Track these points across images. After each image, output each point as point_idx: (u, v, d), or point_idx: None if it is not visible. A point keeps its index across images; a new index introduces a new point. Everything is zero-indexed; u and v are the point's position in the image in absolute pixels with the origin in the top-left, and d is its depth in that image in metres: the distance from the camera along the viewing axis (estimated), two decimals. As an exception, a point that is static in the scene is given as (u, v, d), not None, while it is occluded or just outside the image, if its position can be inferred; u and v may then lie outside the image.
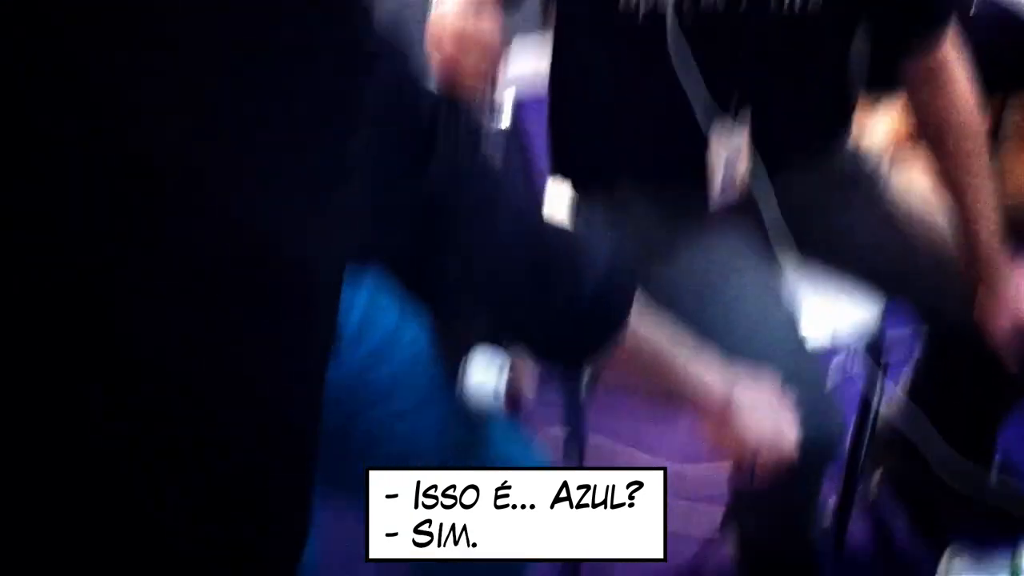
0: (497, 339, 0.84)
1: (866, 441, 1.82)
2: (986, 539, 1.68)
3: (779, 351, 1.47)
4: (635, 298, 0.86)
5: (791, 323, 1.55)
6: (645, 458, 2.21)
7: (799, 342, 1.54)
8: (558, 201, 1.69)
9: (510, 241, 0.78)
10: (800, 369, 1.47)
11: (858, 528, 2.05)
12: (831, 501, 1.99)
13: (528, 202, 0.87)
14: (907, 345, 2.36)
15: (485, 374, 1.04)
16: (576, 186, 1.71)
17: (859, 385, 1.77)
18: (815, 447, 1.45)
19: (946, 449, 1.99)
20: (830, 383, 2.30)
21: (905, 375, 2.01)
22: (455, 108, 0.74)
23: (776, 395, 1.06)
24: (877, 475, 2.12)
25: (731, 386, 0.99)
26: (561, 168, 1.70)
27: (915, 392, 1.97)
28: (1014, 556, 1.78)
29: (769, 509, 1.73)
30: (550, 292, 0.80)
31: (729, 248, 1.60)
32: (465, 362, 1.04)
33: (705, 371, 0.97)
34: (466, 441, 1.13)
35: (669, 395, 0.97)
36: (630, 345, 0.86)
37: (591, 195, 1.68)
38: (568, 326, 0.82)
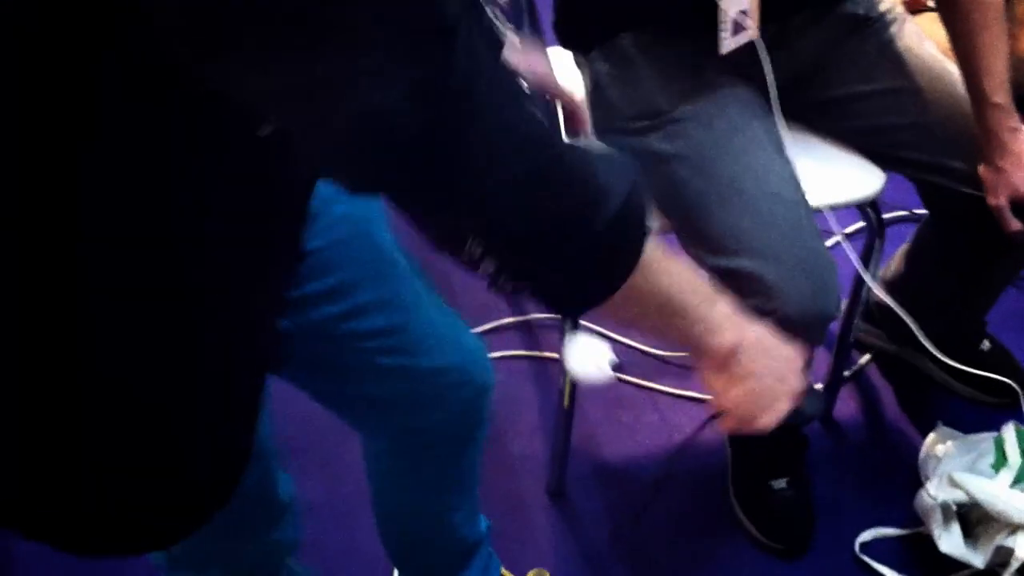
0: (499, 275, 0.74)
1: (859, 310, 1.80)
2: (972, 419, 1.67)
3: (781, 206, 1.46)
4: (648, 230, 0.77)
5: (793, 180, 1.53)
6: (634, 343, 2.20)
7: (800, 199, 1.51)
8: (562, 70, 1.63)
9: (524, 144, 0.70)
10: (799, 226, 1.47)
11: (846, 403, 2.05)
12: (822, 374, 2.00)
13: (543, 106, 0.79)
14: (906, 213, 2.35)
15: (586, 361, 1.03)
16: (581, 47, 1.64)
17: (857, 251, 1.75)
18: (811, 308, 1.44)
19: (938, 320, 1.99)
20: (829, 243, 2.30)
21: (903, 244, 1.99)
22: None
23: (787, 363, 0.98)
24: (867, 354, 2.13)
25: (739, 343, 0.90)
26: (566, 26, 1.64)
27: (912, 261, 1.96)
28: (998, 435, 1.79)
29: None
30: (564, 217, 0.72)
31: (736, 101, 1.56)
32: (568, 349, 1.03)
33: (712, 321, 0.87)
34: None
35: (670, 335, 0.89)
36: (638, 281, 0.77)
37: (597, 56, 1.62)
38: (580, 259, 0.74)
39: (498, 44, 0.69)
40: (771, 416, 0.96)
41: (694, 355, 0.91)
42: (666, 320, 0.85)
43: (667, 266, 0.81)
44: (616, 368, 1.00)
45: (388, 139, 0.65)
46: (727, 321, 0.88)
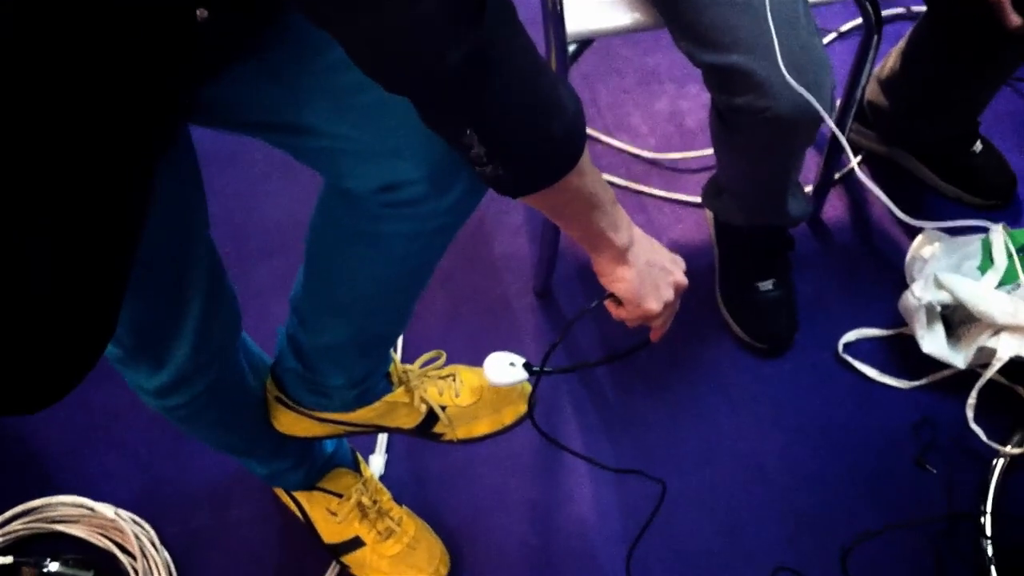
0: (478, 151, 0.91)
1: (854, 107, 1.77)
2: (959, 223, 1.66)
3: (779, 1, 1.40)
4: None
5: None
6: (623, 145, 2.17)
7: None
8: None
9: (527, 71, 0.87)
10: (795, 21, 1.42)
11: (835, 205, 2.05)
12: (812, 176, 1.98)
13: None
14: (903, 10, 2.29)
15: (506, 371, 1.22)
16: None
17: (853, 48, 1.70)
18: (804, 107, 1.40)
19: (931, 120, 1.97)
20: (825, 39, 2.26)
21: (899, 42, 1.95)
22: None
23: (670, 260, 1.16)
24: (858, 155, 2.11)
25: (630, 243, 1.09)
26: None
27: (907, 59, 1.92)
28: (985, 237, 1.79)
29: (749, 179, 1.71)
30: (538, 121, 0.90)
31: None
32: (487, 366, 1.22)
33: (617, 221, 1.07)
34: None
35: (584, 230, 1.06)
36: (573, 177, 0.96)
37: None
38: (541, 152, 0.92)
39: None
40: (656, 301, 1.13)
41: (594, 249, 1.09)
42: (585, 213, 1.03)
43: (592, 169, 1.00)
44: (527, 368, 1.23)
45: (431, 62, 0.79)
46: (624, 221, 1.08)
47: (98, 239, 0.89)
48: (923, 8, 1.84)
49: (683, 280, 1.16)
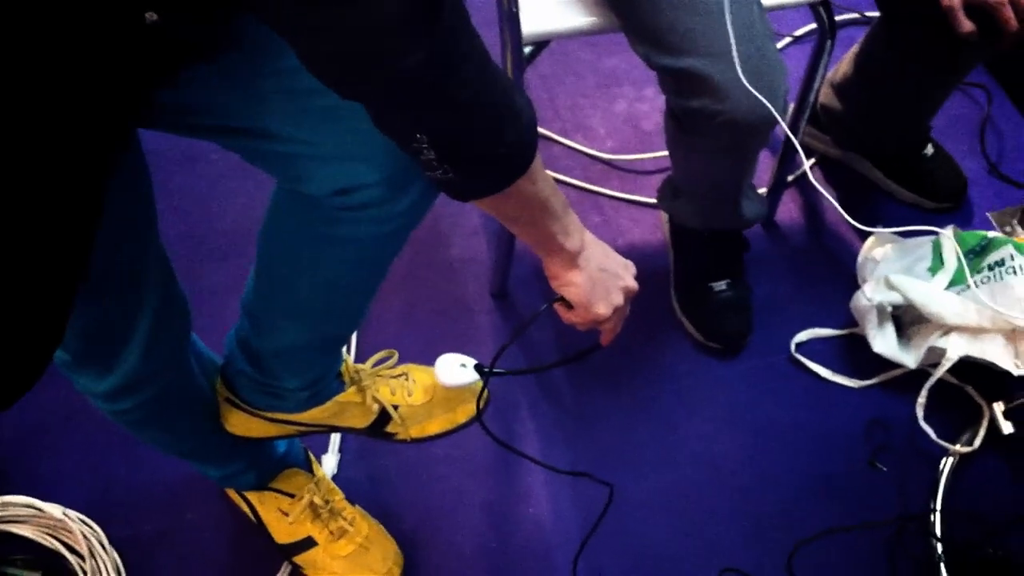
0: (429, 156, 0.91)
1: (807, 111, 1.79)
2: (911, 224, 1.67)
3: (732, 4, 1.41)
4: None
5: None
6: (581, 147, 2.18)
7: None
8: None
9: (482, 75, 0.87)
10: (751, 26, 1.44)
11: (788, 207, 2.06)
12: (766, 178, 1.99)
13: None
14: (857, 15, 2.31)
15: (458, 372, 1.23)
16: None
17: (807, 52, 1.72)
18: (758, 110, 1.41)
19: (883, 124, 1.99)
20: (780, 43, 2.27)
21: (853, 47, 1.96)
22: None
23: (621, 265, 1.16)
24: (812, 159, 2.12)
25: (582, 248, 1.10)
26: None
27: (860, 64, 1.94)
28: (936, 239, 1.80)
29: (704, 181, 1.72)
30: (491, 127, 0.90)
31: None
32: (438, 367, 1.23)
33: (568, 226, 1.07)
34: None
35: (535, 234, 1.06)
36: (524, 183, 0.96)
37: None
38: (492, 157, 0.93)
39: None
40: (606, 306, 1.13)
41: (546, 254, 1.09)
42: (537, 218, 1.03)
43: (544, 175, 1.00)
44: (478, 369, 1.24)
45: (387, 64, 0.78)
46: (576, 226, 1.09)
47: (47, 245, 0.87)
48: (877, 14, 1.86)
49: (633, 285, 1.17)
